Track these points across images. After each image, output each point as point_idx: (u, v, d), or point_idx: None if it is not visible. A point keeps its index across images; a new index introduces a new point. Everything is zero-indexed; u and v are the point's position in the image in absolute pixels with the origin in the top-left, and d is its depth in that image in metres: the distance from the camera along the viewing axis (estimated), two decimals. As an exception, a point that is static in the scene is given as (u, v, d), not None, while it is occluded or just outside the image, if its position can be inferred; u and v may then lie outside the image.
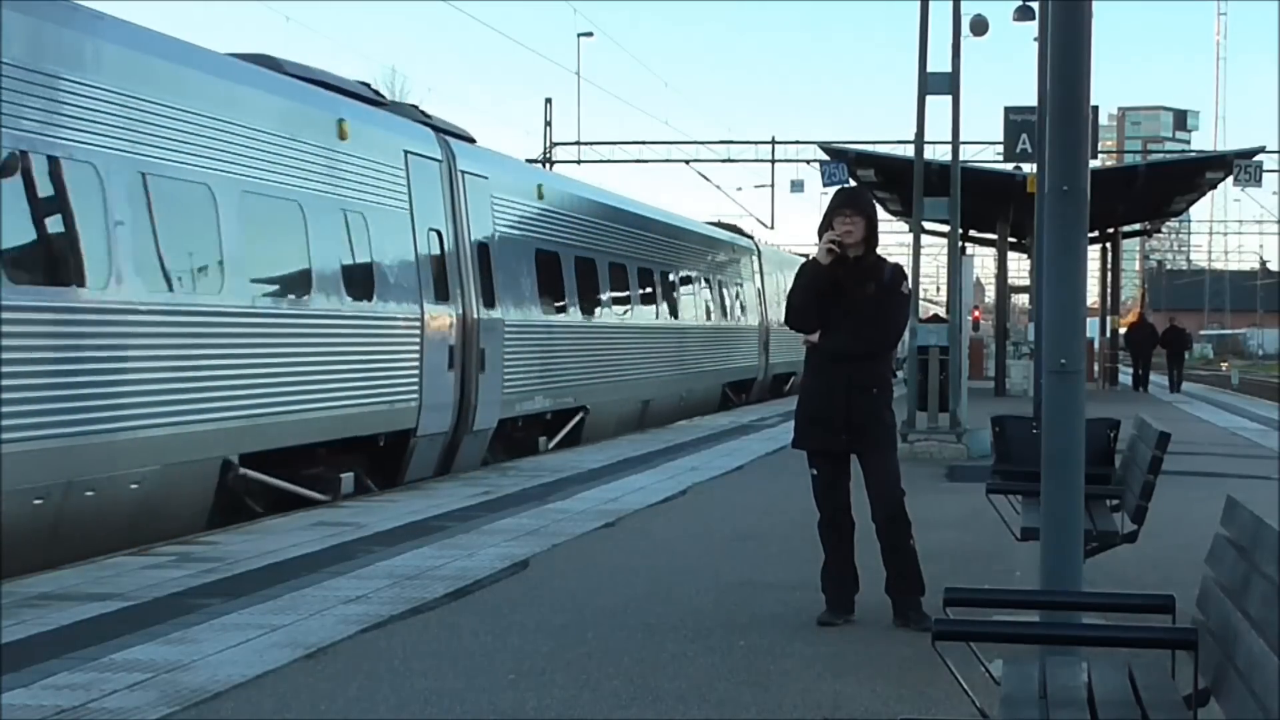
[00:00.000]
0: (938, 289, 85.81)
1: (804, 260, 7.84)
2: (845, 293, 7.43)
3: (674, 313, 26.30)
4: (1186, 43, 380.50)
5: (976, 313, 46.26)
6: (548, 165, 49.24)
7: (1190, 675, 4.02)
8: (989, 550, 9.54)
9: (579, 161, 51.17)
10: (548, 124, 52.43)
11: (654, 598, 8.01)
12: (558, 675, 6.24)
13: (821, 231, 7.50)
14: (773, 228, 56.61)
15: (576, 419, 20.01)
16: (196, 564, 8.99)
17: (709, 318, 29.07)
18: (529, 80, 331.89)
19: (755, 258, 34.68)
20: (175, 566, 8.91)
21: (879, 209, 8.29)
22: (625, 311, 22.87)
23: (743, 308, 32.42)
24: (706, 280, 29.31)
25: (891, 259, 7.94)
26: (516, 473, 14.94)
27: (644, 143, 52.31)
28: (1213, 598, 4.07)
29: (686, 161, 52.29)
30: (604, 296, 21.70)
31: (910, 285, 7.63)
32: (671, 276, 26.39)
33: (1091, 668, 4.47)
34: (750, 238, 35.79)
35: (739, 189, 63.90)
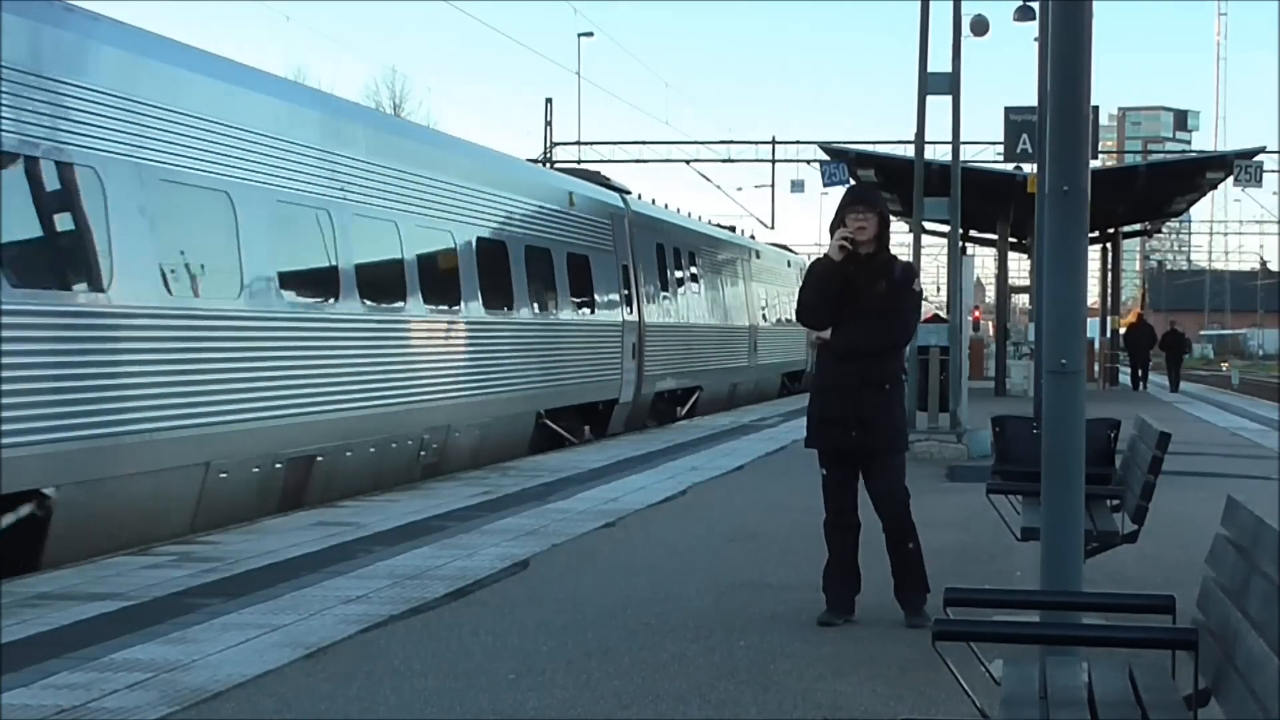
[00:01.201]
0: (938, 289, 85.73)
1: (815, 258, 7.84)
2: (857, 290, 7.43)
3: (389, 294, 14.60)
4: (1186, 43, 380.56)
5: (976, 313, 46.26)
6: (548, 165, 49.25)
7: (1190, 675, 4.02)
8: (989, 550, 9.54)
9: (579, 161, 51.19)
10: (548, 124, 52.51)
11: (654, 598, 8.01)
12: (558, 675, 6.24)
13: (834, 229, 7.50)
14: (773, 228, 56.64)
15: None
16: (196, 564, 8.99)
17: (507, 306, 17.76)
18: (529, 80, 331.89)
19: (623, 222, 22.93)
20: (175, 566, 8.91)
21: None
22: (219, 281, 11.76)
23: (591, 294, 21.06)
24: (502, 246, 17.74)
25: (904, 260, 7.96)
26: (517, 473, 14.93)
27: (644, 143, 52.44)
28: (1213, 598, 4.07)
29: (687, 161, 52.35)
30: (126, 253, 10.39)
31: (921, 284, 7.65)
32: (404, 232, 14.92)
33: (1091, 668, 4.47)
34: (623, 193, 24.23)
35: (739, 189, 63.90)
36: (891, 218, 7.79)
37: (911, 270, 7.61)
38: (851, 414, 7.39)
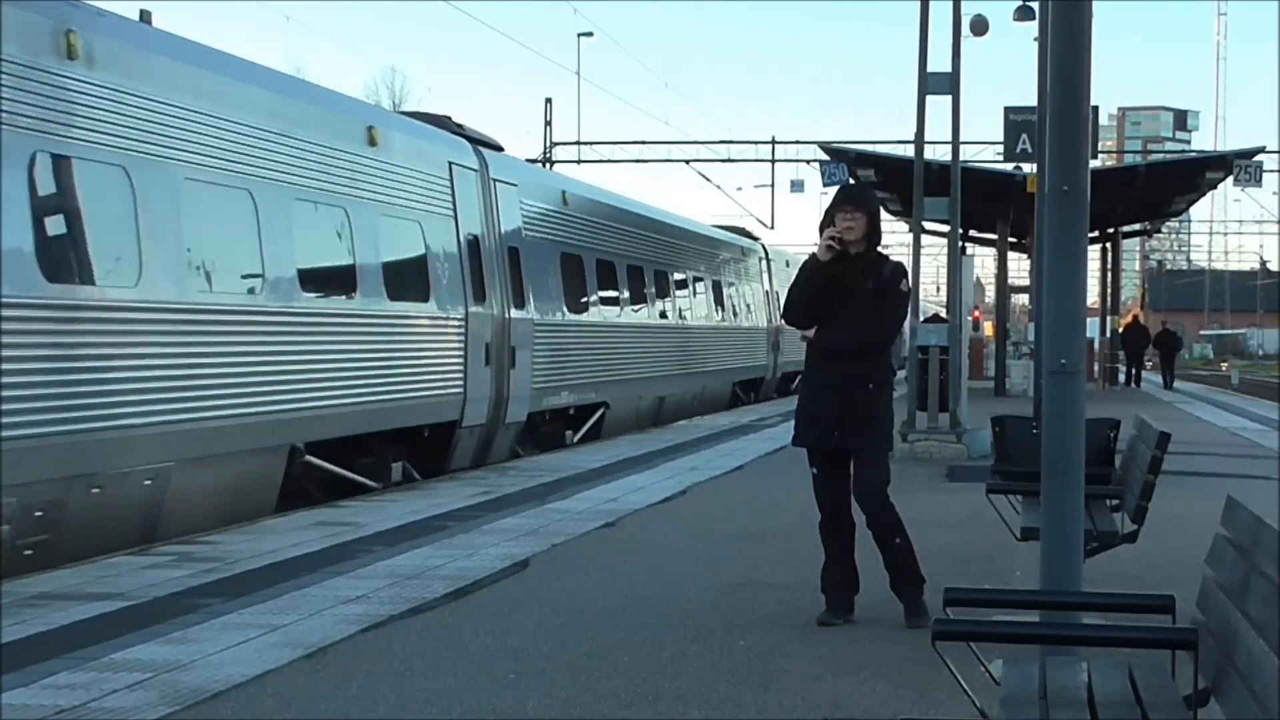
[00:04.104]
0: (938, 289, 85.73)
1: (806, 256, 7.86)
2: (845, 289, 7.45)
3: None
4: (1186, 43, 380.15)
5: (976, 313, 46.29)
6: (548, 165, 49.25)
7: (1190, 675, 4.02)
8: (989, 550, 9.54)
9: (579, 161, 51.22)
10: (548, 124, 52.49)
11: (654, 598, 8.01)
12: (558, 675, 6.24)
13: (823, 228, 7.52)
14: (773, 228, 56.64)
15: None
16: (196, 564, 8.99)
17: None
18: (529, 80, 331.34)
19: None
20: (175, 566, 8.91)
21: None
22: None
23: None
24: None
25: (893, 259, 7.95)
26: (516, 473, 14.93)
27: (644, 143, 52.43)
28: (1213, 598, 4.07)
29: (686, 161, 52.35)
30: None
31: (909, 283, 7.65)
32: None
33: (1091, 668, 4.47)
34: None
35: (739, 189, 63.84)
36: (889, 216, 7.69)
37: (900, 270, 7.58)
38: (834, 413, 7.41)
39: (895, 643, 6.93)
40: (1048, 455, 5.72)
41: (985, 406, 19.96)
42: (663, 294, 25.21)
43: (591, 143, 52.66)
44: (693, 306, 27.45)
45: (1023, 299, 54.60)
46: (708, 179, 72.21)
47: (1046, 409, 5.81)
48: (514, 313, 17.42)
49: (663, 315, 25.14)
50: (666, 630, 7.17)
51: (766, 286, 34.68)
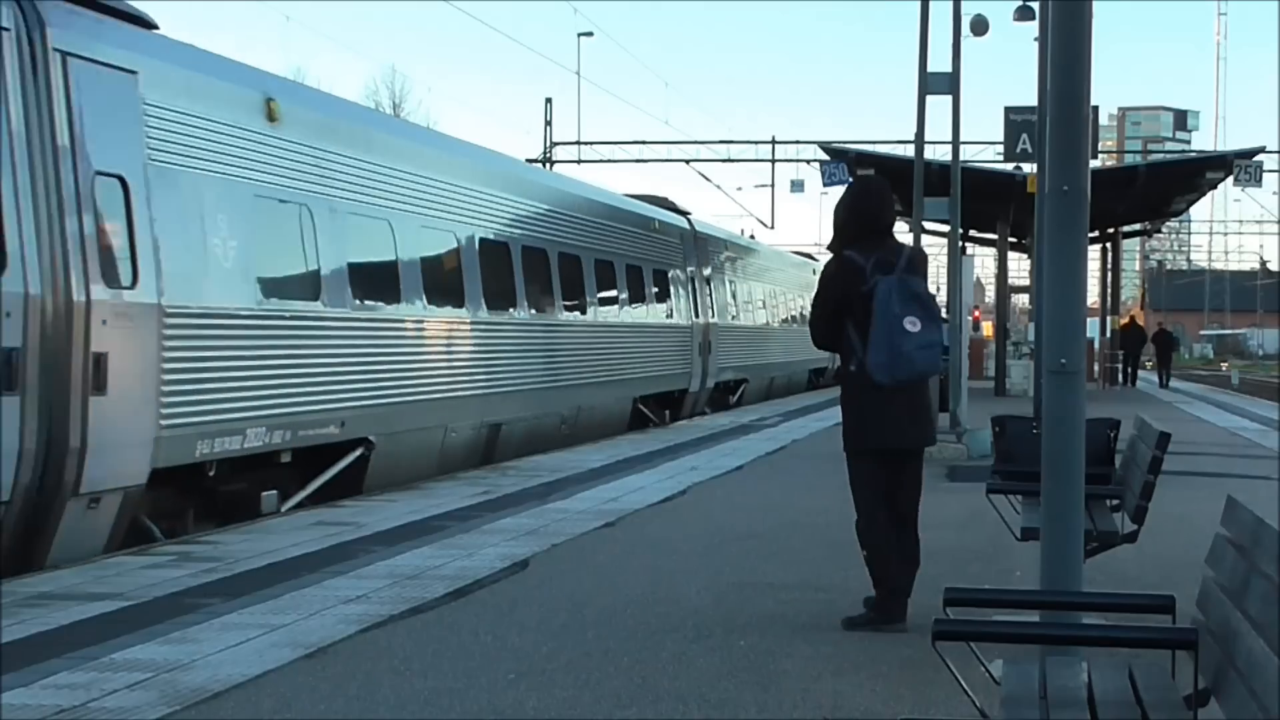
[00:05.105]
0: (938, 289, 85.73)
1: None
2: None
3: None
4: (1186, 43, 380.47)
5: (976, 313, 46.30)
6: (548, 165, 49.28)
7: (1190, 675, 4.02)
8: (989, 550, 9.54)
9: (579, 161, 51.26)
10: (548, 124, 52.55)
11: (654, 598, 8.01)
12: (558, 675, 6.24)
13: None
14: (773, 228, 56.66)
15: None
16: (196, 564, 8.99)
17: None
18: (529, 80, 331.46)
19: None
20: (175, 566, 8.91)
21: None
22: None
23: None
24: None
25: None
26: (516, 473, 14.93)
27: (644, 142, 52.52)
28: (1213, 598, 4.07)
29: (686, 161, 52.42)
30: None
31: (821, 281, 7.47)
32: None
33: (1091, 668, 4.47)
34: None
35: (739, 189, 63.89)
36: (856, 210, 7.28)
37: (829, 263, 7.52)
38: None
39: (895, 643, 6.93)
40: (1048, 455, 5.72)
41: (985, 406, 19.96)
42: (497, 274, 17.29)
43: (592, 143, 52.82)
44: (557, 293, 19.65)
45: (1023, 299, 54.62)
46: (708, 179, 72.04)
47: (1046, 409, 5.80)
48: (104, 293, 9.91)
49: (500, 305, 17.31)
50: (666, 630, 7.17)
51: (692, 269, 27.13)
